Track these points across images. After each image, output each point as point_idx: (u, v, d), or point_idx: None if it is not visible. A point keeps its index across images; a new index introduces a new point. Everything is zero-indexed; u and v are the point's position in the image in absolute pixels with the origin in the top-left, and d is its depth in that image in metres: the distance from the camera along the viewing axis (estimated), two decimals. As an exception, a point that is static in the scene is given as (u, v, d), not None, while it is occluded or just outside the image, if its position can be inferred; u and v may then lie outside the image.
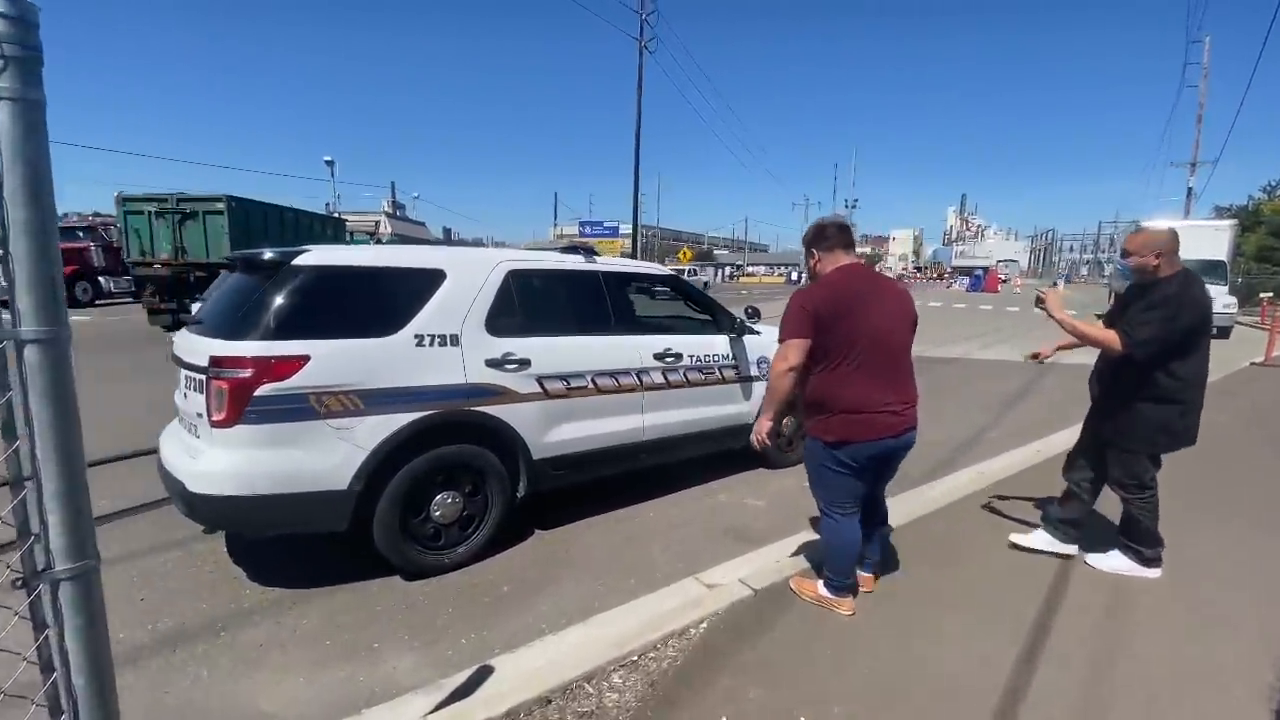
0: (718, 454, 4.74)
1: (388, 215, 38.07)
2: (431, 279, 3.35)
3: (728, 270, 73.11)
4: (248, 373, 2.79)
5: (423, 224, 39.65)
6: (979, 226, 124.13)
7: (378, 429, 3.03)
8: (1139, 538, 3.13)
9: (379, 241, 30.87)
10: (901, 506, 4.06)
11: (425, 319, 3.23)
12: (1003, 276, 54.62)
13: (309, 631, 2.84)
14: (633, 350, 4.07)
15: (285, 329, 2.91)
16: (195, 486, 2.86)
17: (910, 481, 4.81)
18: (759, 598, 2.96)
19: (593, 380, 3.84)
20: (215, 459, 2.88)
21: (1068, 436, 5.63)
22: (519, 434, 3.52)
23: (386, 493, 3.10)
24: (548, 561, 3.53)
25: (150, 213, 15.99)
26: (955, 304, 29.65)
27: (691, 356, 4.34)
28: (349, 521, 3.05)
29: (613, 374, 3.94)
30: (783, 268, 72.85)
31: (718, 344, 4.59)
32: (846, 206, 57.42)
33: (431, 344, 3.23)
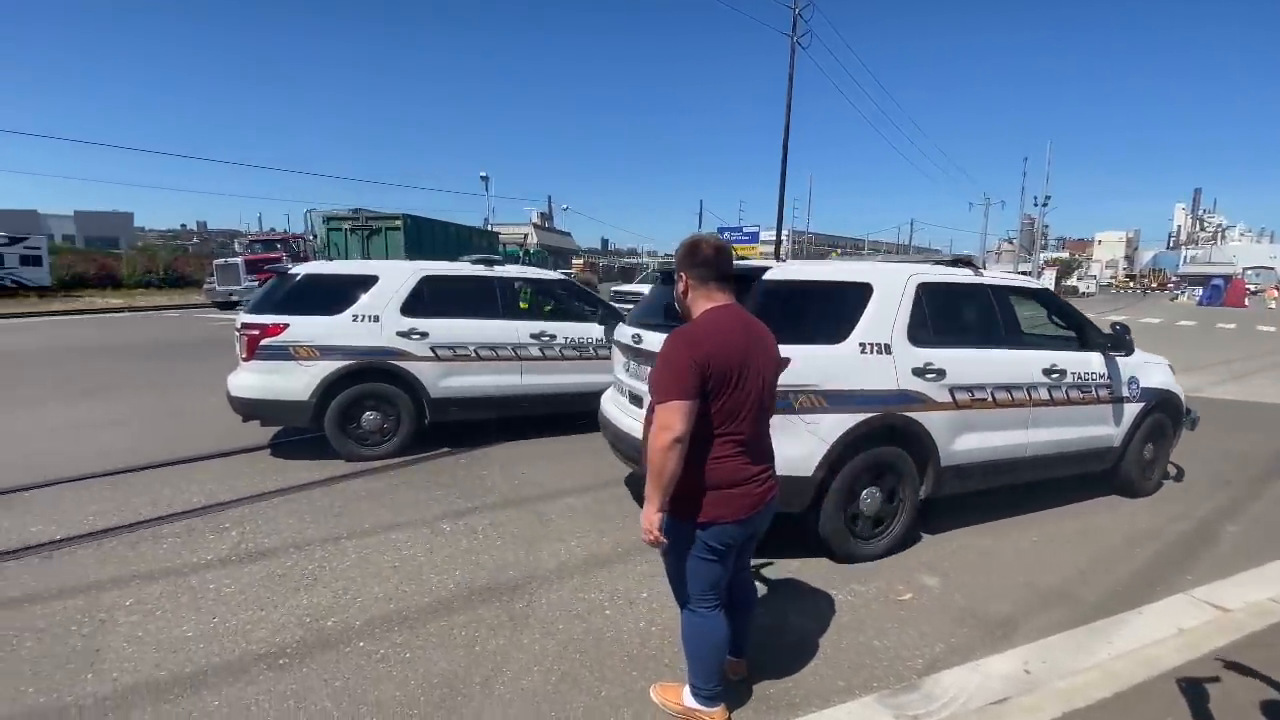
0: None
1: (535, 227, 40.07)
2: None
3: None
4: None
5: (568, 234, 41.19)
6: (1218, 226, 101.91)
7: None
8: None
9: (526, 253, 33.02)
10: (1058, 658, 2.46)
11: None
12: (1251, 287, 43.54)
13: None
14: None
15: None
16: None
17: (1078, 605, 3.08)
18: None
19: None
20: None
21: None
22: None
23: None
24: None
25: (346, 229, 19.61)
26: (1181, 320, 23.79)
27: (1074, 374, 4.18)
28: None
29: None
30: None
31: (1093, 362, 4.34)
32: (1036, 205, 49.64)
33: None
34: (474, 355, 5.39)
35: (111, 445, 5.43)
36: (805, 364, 3.09)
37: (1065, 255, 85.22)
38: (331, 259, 17.64)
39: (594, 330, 5.95)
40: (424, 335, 5.18)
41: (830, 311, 3.38)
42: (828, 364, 3.22)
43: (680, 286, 2.05)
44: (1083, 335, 4.40)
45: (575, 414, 5.97)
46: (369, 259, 16.85)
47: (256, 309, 5.10)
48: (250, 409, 5.02)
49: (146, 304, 22.67)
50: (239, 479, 4.66)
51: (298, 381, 4.88)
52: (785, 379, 2.54)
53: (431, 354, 5.21)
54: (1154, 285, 68.19)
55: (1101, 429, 4.36)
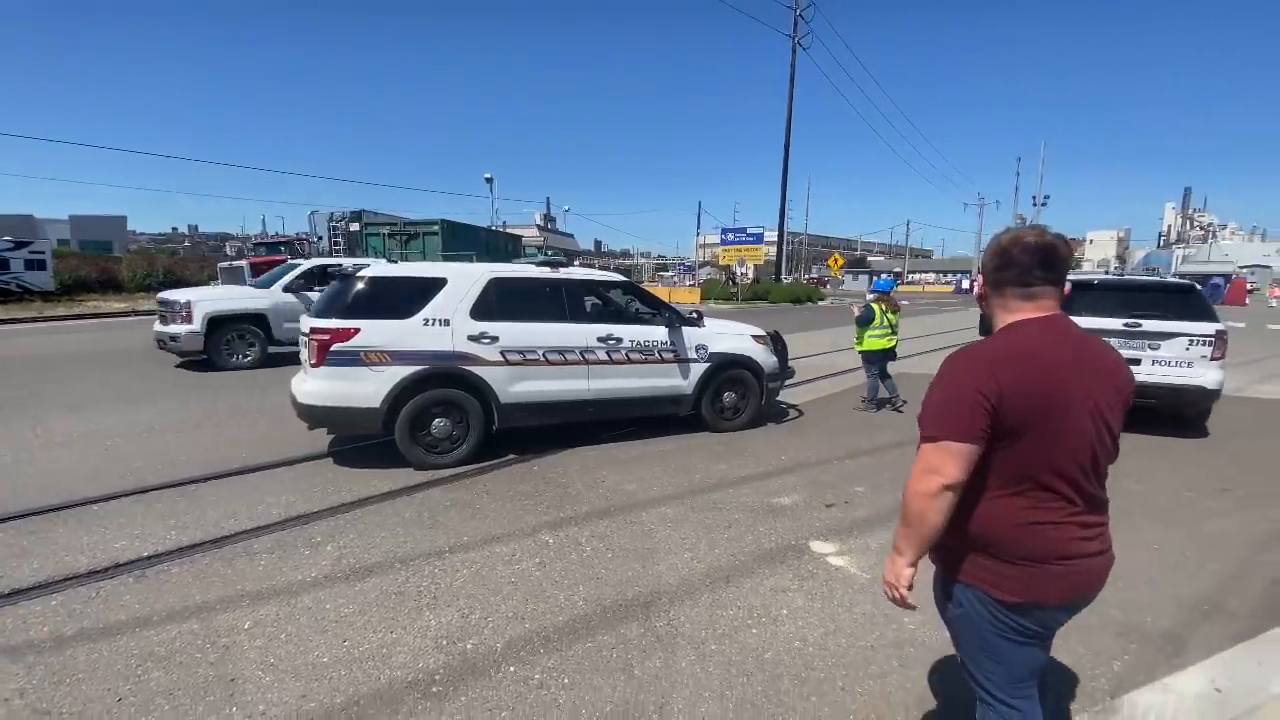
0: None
1: (539, 229, 40.00)
2: None
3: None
4: None
5: (571, 236, 41.19)
6: (1209, 225, 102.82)
7: None
8: None
9: (545, 254, 33.26)
10: (1243, 675, 2.32)
11: None
12: (1252, 286, 43.88)
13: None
14: None
15: None
16: None
17: (1234, 618, 2.95)
18: None
19: None
20: None
21: None
22: None
23: None
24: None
25: (384, 234, 20.34)
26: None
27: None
28: None
29: None
30: (951, 275, 65.84)
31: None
32: (1034, 205, 49.96)
33: None
34: (543, 359, 5.27)
35: (162, 454, 5.23)
36: None
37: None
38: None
39: (658, 333, 5.82)
40: (494, 339, 5.05)
41: None
42: None
43: (982, 294, 1.61)
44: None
45: (640, 419, 5.89)
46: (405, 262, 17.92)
47: (322, 313, 4.88)
48: (320, 417, 4.84)
49: (149, 308, 22.27)
50: (311, 489, 4.47)
51: (369, 387, 4.70)
52: None
53: (501, 358, 5.08)
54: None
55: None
